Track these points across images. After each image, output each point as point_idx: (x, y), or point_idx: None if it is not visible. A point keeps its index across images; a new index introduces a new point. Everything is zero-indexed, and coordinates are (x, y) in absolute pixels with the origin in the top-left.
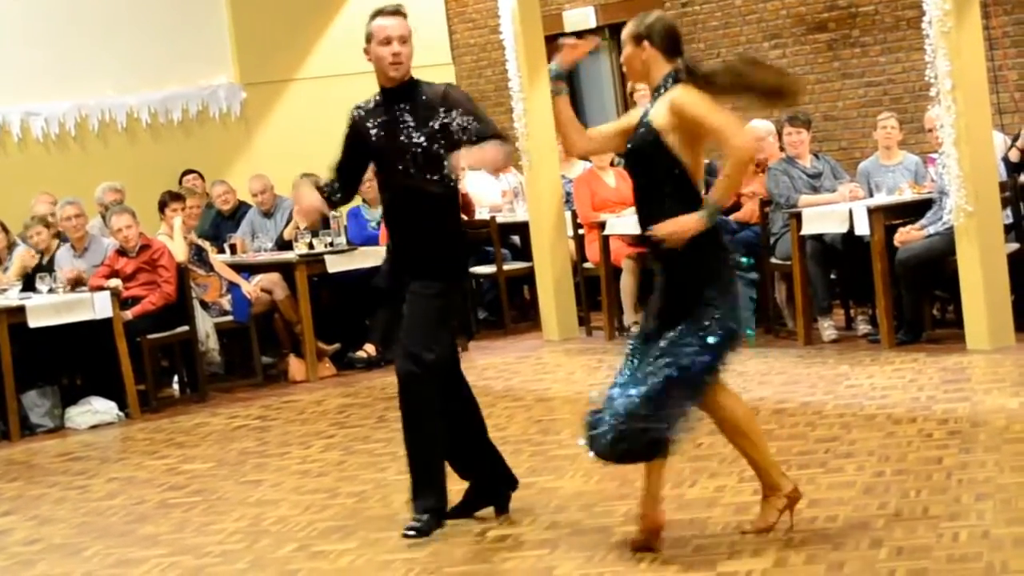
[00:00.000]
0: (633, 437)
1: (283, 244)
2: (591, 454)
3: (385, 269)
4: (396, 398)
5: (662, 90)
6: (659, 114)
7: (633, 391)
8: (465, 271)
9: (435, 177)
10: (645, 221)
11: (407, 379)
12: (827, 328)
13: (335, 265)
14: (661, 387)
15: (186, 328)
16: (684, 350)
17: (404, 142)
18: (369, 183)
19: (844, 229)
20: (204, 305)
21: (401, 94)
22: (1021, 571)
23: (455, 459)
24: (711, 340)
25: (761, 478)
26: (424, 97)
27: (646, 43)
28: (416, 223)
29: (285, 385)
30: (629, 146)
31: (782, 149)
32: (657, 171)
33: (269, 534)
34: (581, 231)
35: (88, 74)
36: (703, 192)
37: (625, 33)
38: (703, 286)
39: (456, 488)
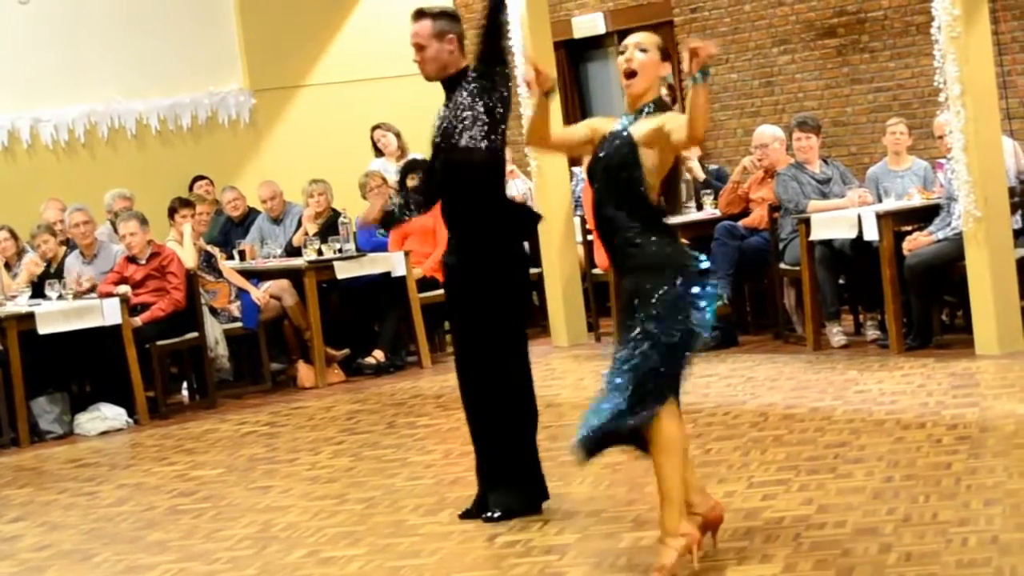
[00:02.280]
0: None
1: (292, 250)
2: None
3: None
4: (405, 404)
5: (648, 109)
6: (641, 129)
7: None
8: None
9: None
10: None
11: None
12: (836, 333)
13: (344, 271)
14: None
15: (195, 334)
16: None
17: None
18: (377, 189)
19: (853, 235)
20: (213, 311)
21: (446, 87)
22: None
23: None
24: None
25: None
26: (468, 86)
27: (668, 62)
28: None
29: (294, 391)
30: (600, 155)
31: (791, 155)
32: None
33: (278, 540)
34: (590, 237)
35: (97, 80)
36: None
37: (651, 40)
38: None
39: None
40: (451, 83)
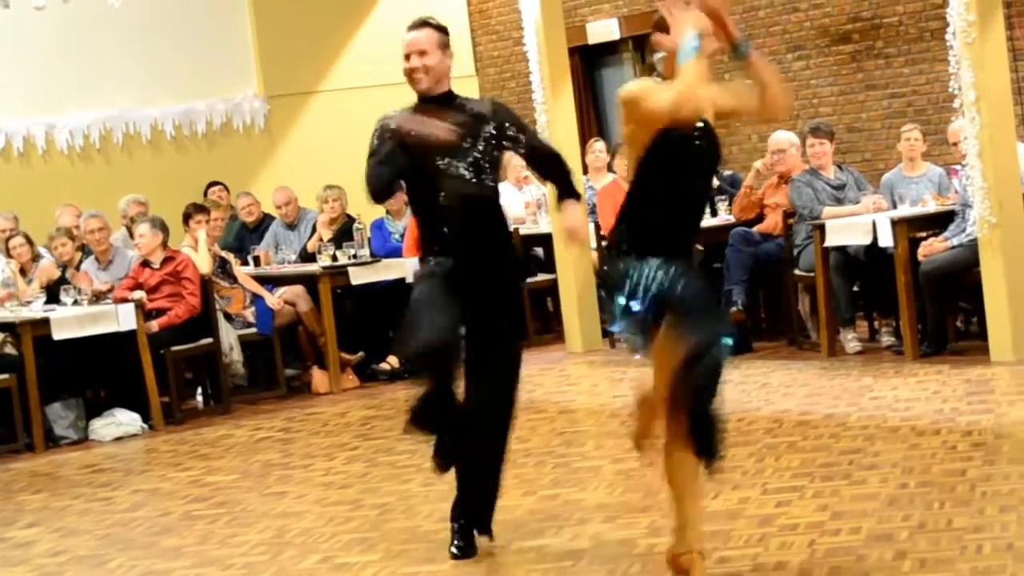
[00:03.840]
0: None
1: (307, 256)
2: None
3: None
4: None
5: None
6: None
7: None
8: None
9: (490, 183)
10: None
11: None
12: (851, 340)
13: (358, 277)
14: None
15: (210, 340)
16: None
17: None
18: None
19: (868, 241)
20: (228, 317)
21: (438, 104)
22: None
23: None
24: None
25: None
26: (468, 107)
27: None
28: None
29: (308, 397)
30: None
31: (806, 161)
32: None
33: (293, 546)
34: (605, 243)
35: (112, 86)
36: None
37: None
38: None
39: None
40: (443, 100)
